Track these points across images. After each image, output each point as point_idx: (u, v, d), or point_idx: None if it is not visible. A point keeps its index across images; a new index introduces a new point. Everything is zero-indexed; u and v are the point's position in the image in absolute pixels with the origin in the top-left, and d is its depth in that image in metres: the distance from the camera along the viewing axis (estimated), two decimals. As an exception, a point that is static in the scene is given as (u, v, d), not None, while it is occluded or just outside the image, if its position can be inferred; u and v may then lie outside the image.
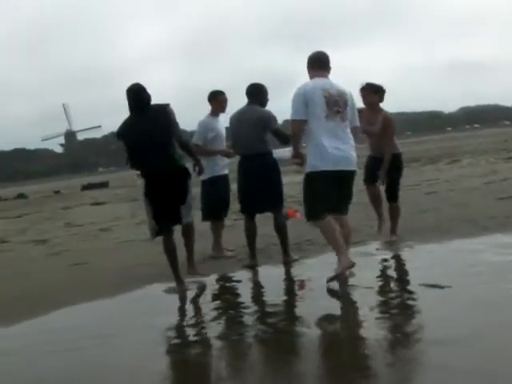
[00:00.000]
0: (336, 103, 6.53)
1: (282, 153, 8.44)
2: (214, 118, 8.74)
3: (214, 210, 8.77)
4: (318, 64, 6.79)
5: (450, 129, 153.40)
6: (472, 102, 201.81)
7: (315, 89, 6.53)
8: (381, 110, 8.43)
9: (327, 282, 6.40)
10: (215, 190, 8.67)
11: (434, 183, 14.54)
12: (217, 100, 8.73)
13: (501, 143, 36.20)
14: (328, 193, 6.52)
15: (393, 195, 8.52)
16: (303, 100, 6.51)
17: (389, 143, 8.38)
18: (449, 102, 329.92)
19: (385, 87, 8.51)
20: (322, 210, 6.53)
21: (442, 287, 5.77)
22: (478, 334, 4.47)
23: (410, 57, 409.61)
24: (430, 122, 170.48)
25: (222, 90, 8.84)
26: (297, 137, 6.74)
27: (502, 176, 14.15)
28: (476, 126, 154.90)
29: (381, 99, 8.44)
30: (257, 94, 8.03)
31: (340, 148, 6.53)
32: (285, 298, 6.44)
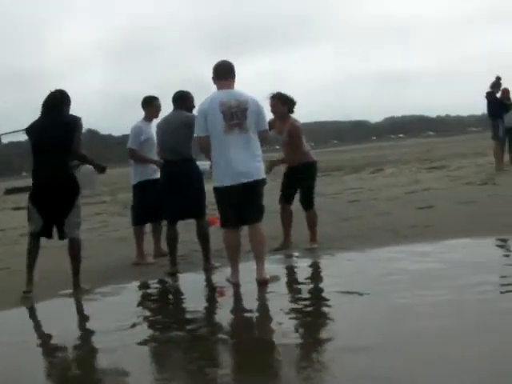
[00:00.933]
0: (234, 116, 6.64)
1: (204, 165, 8.44)
2: (147, 124, 8.78)
3: (143, 216, 8.73)
4: (222, 73, 6.90)
5: (375, 138, 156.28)
6: (398, 113, 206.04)
7: (213, 104, 6.68)
8: (289, 119, 8.46)
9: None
10: (145, 195, 8.66)
11: (357, 192, 14.71)
12: (152, 106, 8.76)
13: (424, 153, 37.02)
14: (233, 206, 6.76)
15: (308, 203, 8.55)
16: (204, 116, 6.72)
17: (296, 151, 8.41)
18: (375, 111, 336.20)
19: (295, 99, 8.54)
20: (227, 221, 6.85)
21: (360, 294, 5.83)
22: (393, 341, 4.53)
23: (338, 66, 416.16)
24: (355, 131, 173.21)
25: (155, 95, 8.91)
26: (204, 152, 6.96)
27: (424, 186, 14.43)
28: (401, 135, 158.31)
29: (290, 110, 8.47)
30: (182, 100, 8.05)
31: (240, 161, 6.65)
32: (205, 304, 6.47)
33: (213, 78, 6.94)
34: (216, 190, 6.87)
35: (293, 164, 8.49)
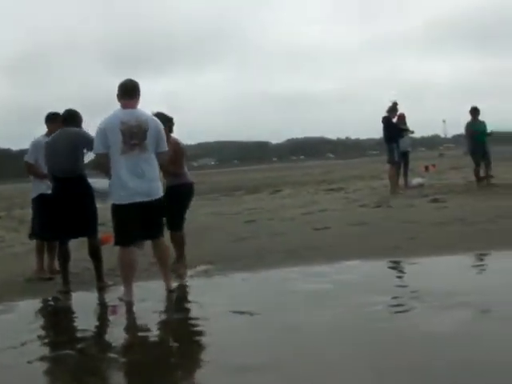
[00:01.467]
0: (134, 136, 6.74)
1: (97, 183, 8.30)
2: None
3: (41, 230, 8.54)
4: (126, 92, 6.96)
5: (275, 159, 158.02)
6: (299, 134, 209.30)
7: (114, 123, 6.76)
8: (169, 137, 8.41)
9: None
10: (43, 209, 8.49)
11: (254, 212, 14.75)
12: (55, 121, 8.54)
13: (323, 175, 37.57)
14: (129, 224, 6.85)
15: (174, 224, 8.39)
16: (103, 134, 6.77)
17: (175, 169, 8.30)
18: (277, 133, 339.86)
19: (173, 119, 8.53)
20: (122, 239, 6.91)
21: (251, 314, 5.86)
22: (276, 361, 4.57)
23: (242, 87, 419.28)
24: (257, 152, 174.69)
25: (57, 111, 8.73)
26: (101, 169, 7.01)
27: (321, 207, 14.59)
28: (301, 157, 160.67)
29: (170, 129, 8.41)
30: (71, 118, 7.97)
31: (139, 180, 6.78)
32: (96, 323, 6.42)
33: (117, 95, 6.97)
34: (115, 207, 6.89)
35: (170, 184, 8.36)
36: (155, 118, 7.07)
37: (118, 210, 6.87)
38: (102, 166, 6.90)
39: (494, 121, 17.56)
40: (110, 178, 6.87)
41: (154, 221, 7.03)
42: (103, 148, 6.79)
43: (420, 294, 6.17)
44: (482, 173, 17.05)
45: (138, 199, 6.78)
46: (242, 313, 5.94)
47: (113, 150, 6.74)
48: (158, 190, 6.99)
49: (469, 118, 17.41)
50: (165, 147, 7.06)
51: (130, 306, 6.70)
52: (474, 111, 17.28)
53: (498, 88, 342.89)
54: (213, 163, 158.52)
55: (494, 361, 4.29)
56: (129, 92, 6.95)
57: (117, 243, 6.98)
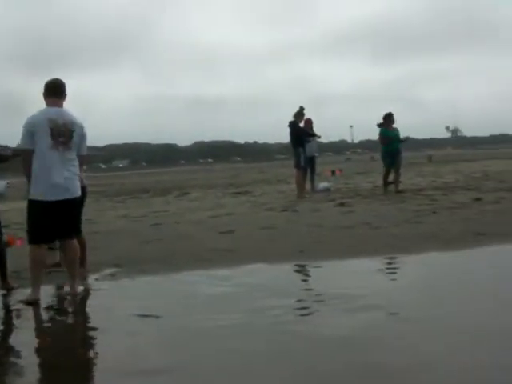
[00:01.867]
0: (61, 134, 6.78)
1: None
2: None
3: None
4: (53, 92, 7.00)
5: (183, 162, 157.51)
6: (207, 137, 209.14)
7: (42, 119, 6.77)
8: None
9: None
10: None
11: (161, 215, 14.60)
12: None
13: (230, 178, 37.66)
14: (45, 221, 6.80)
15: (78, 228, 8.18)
16: (30, 130, 6.75)
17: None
18: (184, 135, 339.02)
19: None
20: (37, 237, 6.83)
21: (156, 317, 5.83)
22: (182, 362, 4.58)
23: (149, 89, 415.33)
24: (165, 155, 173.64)
25: None
26: (26, 165, 6.85)
27: (227, 210, 14.58)
28: (209, 160, 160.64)
29: None
30: None
31: (60, 178, 6.78)
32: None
33: (43, 94, 7.02)
34: (34, 203, 6.84)
35: None
36: (81, 122, 7.08)
37: (36, 206, 6.82)
38: (26, 162, 6.81)
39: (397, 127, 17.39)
40: (30, 176, 6.82)
41: (72, 219, 7.05)
42: (30, 144, 6.76)
43: (324, 298, 6.25)
44: (390, 178, 17.29)
45: (63, 196, 6.79)
46: (146, 316, 5.88)
47: (40, 147, 6.72)
48: (79, 188, 7.02)
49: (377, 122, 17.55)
50: (85, 151, 7.20)
51: (36, 305, 6.62)
52: (388, 117, 17.41)
53: (401, 96, 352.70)
54: (121, 165, 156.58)
55: (395, 362, 4.37)
56: (56, 91, 7.01)
57: (31, 240, 6.88)
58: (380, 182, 18.00)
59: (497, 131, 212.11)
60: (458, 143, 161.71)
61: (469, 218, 10.95)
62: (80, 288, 7.18)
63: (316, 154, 19.34)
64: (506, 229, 9.70)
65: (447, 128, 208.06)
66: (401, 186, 17.33)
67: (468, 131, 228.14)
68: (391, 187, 17.14)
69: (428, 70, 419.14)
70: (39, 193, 6.80)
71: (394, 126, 17.43)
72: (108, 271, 8.17)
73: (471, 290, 6.46)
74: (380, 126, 17.26)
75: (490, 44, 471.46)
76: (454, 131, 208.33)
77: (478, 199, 13.66)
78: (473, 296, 6.23)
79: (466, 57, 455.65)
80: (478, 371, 4.17)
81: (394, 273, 7.54)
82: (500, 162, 40.39)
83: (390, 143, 17.11)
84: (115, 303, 6.71)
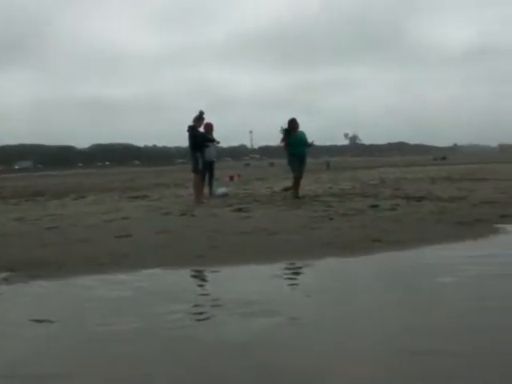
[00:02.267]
0: None
1: None
2: None
3: None
4: None
5: (81, 164, 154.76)
6: (105, 140, 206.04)
7: None
8: None
9: None
10: None
11: (56, 218, 14.26)
12: None
13: (128, 181, 37.25)
14: None
15: None
16: None
17: None
18: (81, 138, 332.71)
19: None
20: None
21: (51, 322, 5.71)
22: (76, 368, 4.51)
23: (44, 90, 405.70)
24: (61, 157, 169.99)
25: None
26: None
27: (124, 214, 14.38)
28: (107, 163, 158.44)
29: None
30: None
31: None
32: None
33: None
34: None
35: None
36: None
37: None
38: None
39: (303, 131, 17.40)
40: None
41: None
42: None
43: (222, 302, 6.26)
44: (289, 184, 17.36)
45: None
46: (40, 321, 5.74)
47: None
48: None
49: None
50: None
51: None
52: (291, 123, 17.45)
53: (300, 103, 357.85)
54: (17, 167, 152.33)
55: (291, 366, 4.41)
56: None
57: None
58: (278, 187, 18.16)
59: (394, 139, 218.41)
60: (357, 150, 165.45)
61: (365, 224, 11.20)
62: None
63: (215, 159, 19.38)
64: (402, 236, 9.98)
65: (346, 135, 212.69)
66: (300, 193, 17.55)
67: (366, 139, 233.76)
68: (289, 193, 17.32)
69: (328, 77, 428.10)
70: None
71: (301, 129, 17.50)
72: (1, 275, 7.91)
73: (366, 295, 6.61)
74: (284, 131, 17.31)
75: (390, 55, 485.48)
76: (353, 138, 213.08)
77: (374, 206, 14.01)
78: (367, 300, 6.37)
79: (366, 66, 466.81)
80: (370, 371, 4.27)
81: (291, 278, 7.61)
82: (396, 170, 41.64)
83: (295, 148, 17.17)
84: (8, 308, 6.55)
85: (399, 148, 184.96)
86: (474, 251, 8.78)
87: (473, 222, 11.34)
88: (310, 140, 17.65)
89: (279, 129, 17.47)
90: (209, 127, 18.62)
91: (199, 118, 17.63)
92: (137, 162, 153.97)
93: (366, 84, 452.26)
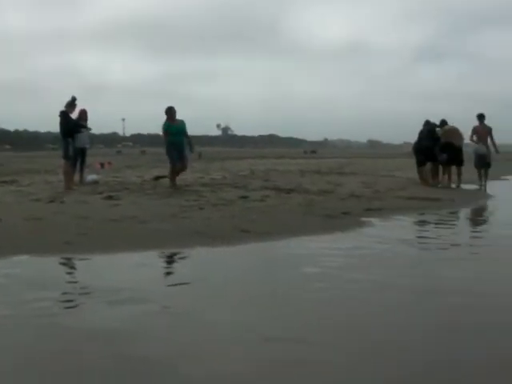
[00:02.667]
0: None
1: None
2: None
3: None
4: None
5: None
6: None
7: None
8: None
9: None
10: None
11: None
12: None
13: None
14: None
15: None
16: None
17: None
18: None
19: None
20: None
21: None
22: None
23: None
24: None
25: None
26: None
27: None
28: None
29: None
30: None
31: None
32: None
33: None
34: None
35: None
36: None
37: None
38: None
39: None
40: None
41: None
42: None
43: (90, 290, 6.28)
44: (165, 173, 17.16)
45: None
46: None
47: None
48: None
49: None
50: None
51: None
52: (169, 111, 17.14)
53: (173, 91, 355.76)
54: None
55: (159, 354, 4.52)
56: None
57: None
58: (149, 176, 18.06)
59: (266, 132, 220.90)
60: (229, 141, 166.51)
61: (235, 215, 11.38)
62: None
63: (87, 146, 19.08)
64: (270, 227, 10.24)
65: (218, 126, 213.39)
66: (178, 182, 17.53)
67: (238, 130, 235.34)
68: (163, 181, 17.23)
69: (201, 67, 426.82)
70: None
71: (180, 118, 17.30)
72: None
73: (236, 285, 6.79)
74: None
75: (263, 47, 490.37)
76: (225, 129, 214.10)
77: (244, 197, 14.22)
78: (238, 289, 6.56)
79: (239, 58, 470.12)
80: (229, 359, 4.45)
81: (161, 267, 7.69)
82: (267, 162, 42.27)
83: (173, 136, 16.95)
84: None
85: (270, 140, 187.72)
86: (340, 243, 9.16)
87: (340, 215, 11.79)
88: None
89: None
90: (83, 114, 18.36)
91: (71, 103, 17.29)
92: (7, 147, 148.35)
93: (239, 75, 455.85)
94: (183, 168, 17.36)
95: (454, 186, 19.61)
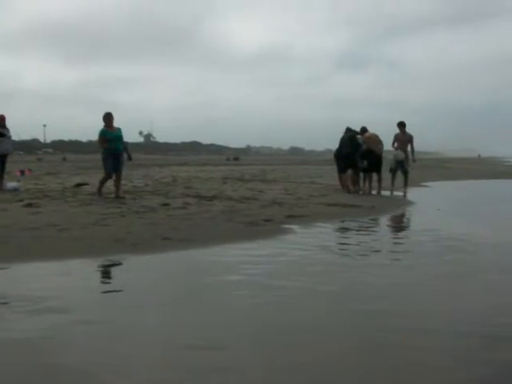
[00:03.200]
0: None
1: None
2: None
3: None
4: None
5: None
6: None
7: None
8: None
9: None
10: None
11: None
12: None
13: None
14: None
15: None
16: None
17: None
18: None
19: None
20: None
21: None
22: None
23: None
24: None
25: None
26: None
27: None
28: None
29: None
30: None
31: None
32: None
33: None
34: None
35: None
36: None
37: None
38: None
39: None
40: None
41: None
42: None
43: (9, 300, 6.17)
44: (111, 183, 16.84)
45: None
46: None
47: None
48: None
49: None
50: None
51: None
52: (107, 117, 16.69)
53: (94, 98, 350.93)
54: None
55: (76, 364, 4.51)
56: None
57: None
58: (70, 183, 17.80)
59: (188, 139, 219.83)
60: (151, 148, 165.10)
61: (156, 222, 11.37)
62: None
63: (8, 152, 18.72)
64: (191, 234, 10.26)
65: (141, 133, 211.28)
66: (89, 188, 17.30)
67: (161, 137, 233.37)
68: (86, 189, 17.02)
69: (123, 74, 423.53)
70: None
71: (117, 126, 16.94)
72: None
73: (156, 293, 6.80)
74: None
75: (184, 55, 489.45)
76: (147, 136, 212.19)
77: (165, 204, 14.20)
78: (157, 298, 6.57)
79: (160, 64, 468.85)
80: (146, 368, 4.48)
81: (80, 276, 7.61)
82: (190, 169, 42.19)
83: (112, 143, 16.54)
84: None
85: (193, 147, 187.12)
86: (262, 250, 9.23)
87: (262, 222, 11.89)
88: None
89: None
90: (2, 119, 18.03)
91: (-10, 109, 16.98)
92: None
93: (160, 82, 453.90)
94: (119, 176, 16.50)
95: (374, 192, 20.00)
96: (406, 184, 21.65)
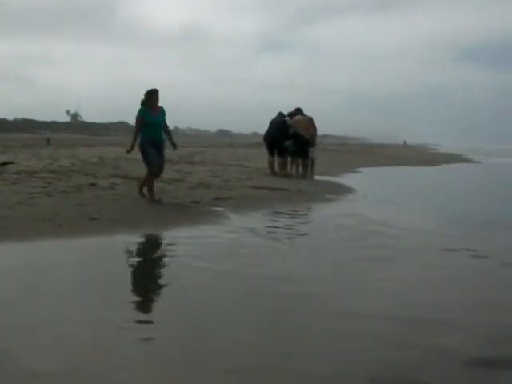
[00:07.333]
0: None
1: None
2: None
3: None
4: None
5: None
6: None
7: None
8: None
9: None
10: None
11: None
12: None
13: None
14: None
15: None
16: None
17: None
18: None
19: None
20: None
21: None
22: None
23: None
24: None
25: None
26: None
27: None
28: None
29: None
30: None
31: None
32: None
33: None
34: None
35: None
36: None
37: None
38: None
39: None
40: None
41: None
42: None
43: None
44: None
45: None
46: None
47: None
48: None
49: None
50: None
51: None
52: (151, 95, 15.89)
53: (14, 75, 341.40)
54: None
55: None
56: None
57: None
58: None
59: (116, 119, 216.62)
60: (78, 128, 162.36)
61: (83, 202, 11.23)
62: None
63: None
64: (118, 214, 10.20)
65: (67, 112, 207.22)
66: (15, 167, 17.00)
67: (88, 117, 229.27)
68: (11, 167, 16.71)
69: (45, 51, 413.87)
70: None
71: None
72: None
73: (70, 273, 6.83)
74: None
75: (106, 32, 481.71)
76: (74, 116, 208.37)
77: (92, 184, 14.03)
78: (72, 277, 6.57)
79: (83, 42, 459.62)
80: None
81: (5, 258, 7.50)
82: (116, 149, 41.67)
83: (149, 130, 15.70)
84: None
85: (122, 128, 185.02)
86: (188, 232, 9.26)
87: (189, 204, 11.90)
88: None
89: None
90: None
91: None
92: None
93: (86, 60, 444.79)
94: (160, 170, 12.94)
95: (301, 177, 20.12)
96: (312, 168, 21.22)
